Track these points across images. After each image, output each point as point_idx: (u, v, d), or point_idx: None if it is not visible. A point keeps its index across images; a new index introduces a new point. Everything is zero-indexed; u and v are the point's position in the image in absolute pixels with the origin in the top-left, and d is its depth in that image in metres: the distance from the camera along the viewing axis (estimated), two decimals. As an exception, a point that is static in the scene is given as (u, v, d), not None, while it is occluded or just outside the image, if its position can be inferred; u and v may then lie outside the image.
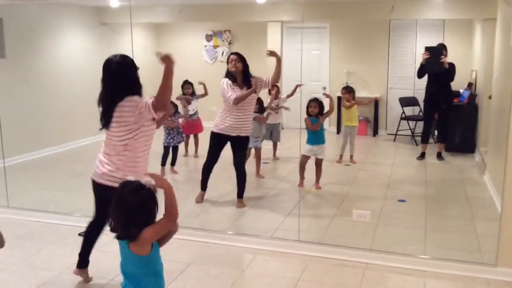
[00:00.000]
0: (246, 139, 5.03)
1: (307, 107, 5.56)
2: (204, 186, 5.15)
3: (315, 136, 5.53)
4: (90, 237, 3.48)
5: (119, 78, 3.16)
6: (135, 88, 3.20)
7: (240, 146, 4.99)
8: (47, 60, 7.50)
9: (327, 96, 5.80)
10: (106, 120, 3.18)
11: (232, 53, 4.96)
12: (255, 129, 5.66)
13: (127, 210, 2.26)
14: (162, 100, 3.13)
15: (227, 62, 4.91)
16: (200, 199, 5.14)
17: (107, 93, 3.18)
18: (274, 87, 6.06)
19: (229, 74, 4.87)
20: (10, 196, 5.03)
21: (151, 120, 3.22)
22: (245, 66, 4.88)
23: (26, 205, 4.95)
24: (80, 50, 8.09)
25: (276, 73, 4.90)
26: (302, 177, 5.64)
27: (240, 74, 4.87)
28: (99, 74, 3.23)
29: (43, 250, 4.08)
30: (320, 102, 5.58)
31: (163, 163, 6.20)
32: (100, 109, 3.23)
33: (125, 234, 2.28)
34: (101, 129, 3.25)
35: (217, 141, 4.95)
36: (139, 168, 3.22)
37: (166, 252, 2.49)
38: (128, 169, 3.16)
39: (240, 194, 5.06)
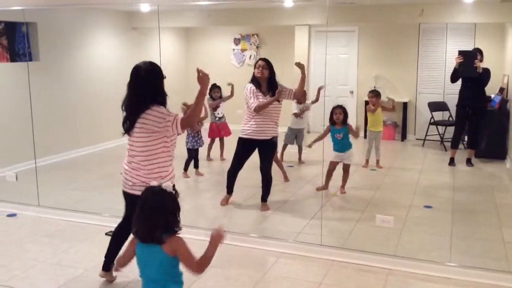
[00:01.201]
0: (273, 144, 5.06)
1: (331, 114, 5.51)
2: (230, 190, 5.18)
3: (340, 143, 5.50)
4: (117, 240, 3.51)
5: (146, 85, 3.20)
6: (160, 97, 3.23)
7: (267, 151, 5.01)
8: (79, 63, 7.69)
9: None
10: (129, 125, 3.23)
11: (260, 59, 4.98)
12: None
13: (151, 213, 2.32)
14: (192, 120, 3.26)
15: (255, 67, 4.94)
16: (224, 202, 5.18)
17: (133, 100, 3.22)
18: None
19: (254, 80, 4.90)
20: (40, 195, 5.18)
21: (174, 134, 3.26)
22: (272, 74, 4.90)
23: (56, 204, 5.09)
24: (111, 54, 8.27)
25: (300, 88, 4.97)
26: (327, 182, 5.63)
27: (266, 81, 4.89)
28: (129, 78, 3.30)
29: (72, 248, 4.19)
30: (344, 109, 5.52)
31: (186, 168, 6.27)
32: (124, 113, 3.28)
33: (151, 238, 2.33)
34: (123, 134, 3.31)
35: (245, 147, 4.97)
36: (162, 174, 3.25)
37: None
38: (151, 175, 3.20)
39: (264, 197, 5.09)
